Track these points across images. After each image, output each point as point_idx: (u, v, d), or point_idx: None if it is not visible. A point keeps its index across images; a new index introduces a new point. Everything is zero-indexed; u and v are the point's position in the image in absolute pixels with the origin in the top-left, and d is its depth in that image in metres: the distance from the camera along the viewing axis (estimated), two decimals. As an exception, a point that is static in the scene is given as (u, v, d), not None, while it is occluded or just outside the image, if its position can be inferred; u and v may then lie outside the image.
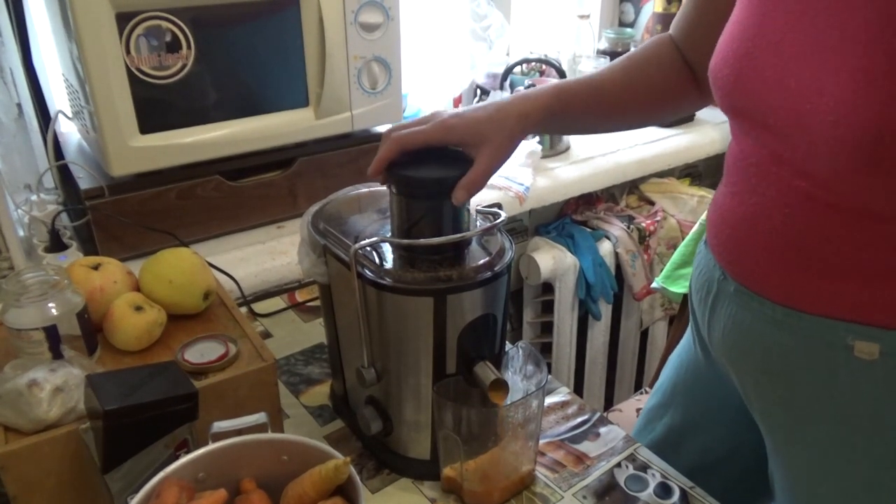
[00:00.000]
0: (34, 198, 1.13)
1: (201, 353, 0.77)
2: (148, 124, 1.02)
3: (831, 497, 0.71)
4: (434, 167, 0.71)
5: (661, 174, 1.78)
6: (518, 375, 0.78)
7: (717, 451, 0.90)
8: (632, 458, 0.82)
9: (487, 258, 0.71)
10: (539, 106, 0.75)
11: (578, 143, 1.65)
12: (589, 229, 1.69)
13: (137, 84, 0.99)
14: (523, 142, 1.49)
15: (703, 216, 1.48)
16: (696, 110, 0.88)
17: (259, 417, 0.63)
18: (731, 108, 0.68)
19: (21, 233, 1.07)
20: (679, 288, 1.52)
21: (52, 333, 0.72)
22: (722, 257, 0.74)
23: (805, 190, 0.61)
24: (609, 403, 1.86)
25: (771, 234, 0.66)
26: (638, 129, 0.92)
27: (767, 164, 0.65)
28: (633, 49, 1.81)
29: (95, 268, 0.83)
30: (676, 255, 1.53)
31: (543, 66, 1.77)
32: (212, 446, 0.59)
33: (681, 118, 1.79)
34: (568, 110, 0.78)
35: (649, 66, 0.83)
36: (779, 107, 0.60)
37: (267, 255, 1.15)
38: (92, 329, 0.77)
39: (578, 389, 1.79)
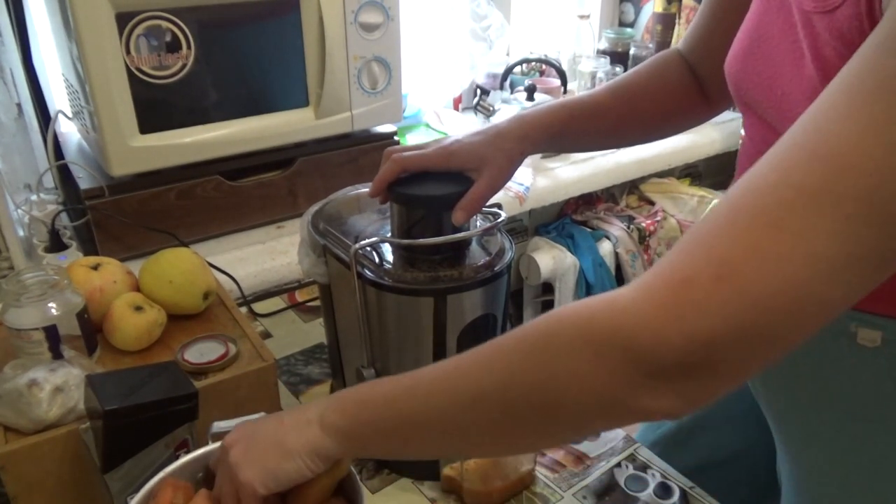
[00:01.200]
0: (34, 198, 1.13)
1: (201, 353, 0.77)
2: (148, 124, 1.02)
3: (835, 492, 0.71)
4: (434, 185, 0.71)
5: (661, 174, 1.78)
6: (518, 375, 0.78)
7: (725, 449, 0.90)
8: (632, 458, 0.82)
9: (487, 258, 0.71)
10: (538, 127, 0.76)
11: (578, 143, 1.65)
12: (589, 229, 1.69)
13: (137, 84, 0.99)
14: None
15: (704, 216, 1.48)
16: (702, 123, 0.88)
17: (259, 417, 0.63)
18: (738, 99, 0.70)
19: (21, 233, 1.07)
20: (679, 288, 1.52)
21: (52, 333, 0.72)
22: None
23: None
24: (609, 403, 1.86)
25: None
26: (643, 144, 0.92)
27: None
28: (632, 50, 1.82)
29: (95, 268, 0.83)
30: (676, 255, 1.53)
31: (543, 66, 1.77)
32: (212, 446, 0.59)
33: (681, 118, 1.79)
34: (568, 130, 0.78)
35: (652, 84, 0.82)
36: (770, 107, 0.62)
37: (267, 255, 1.15)
38: (92, 329, 0.77)
39: (578, 389, 1.79)
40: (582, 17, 1.83)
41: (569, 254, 1.60)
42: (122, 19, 0.95)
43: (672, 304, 0.40)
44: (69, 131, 1.24)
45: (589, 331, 0.42)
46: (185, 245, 1.06)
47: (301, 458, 0.53)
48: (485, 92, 1.61)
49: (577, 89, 1.84)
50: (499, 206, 0.77)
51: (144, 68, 0.99)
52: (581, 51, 1.85)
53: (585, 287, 1.63)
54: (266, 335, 1.03)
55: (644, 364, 0.41)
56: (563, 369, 0.43)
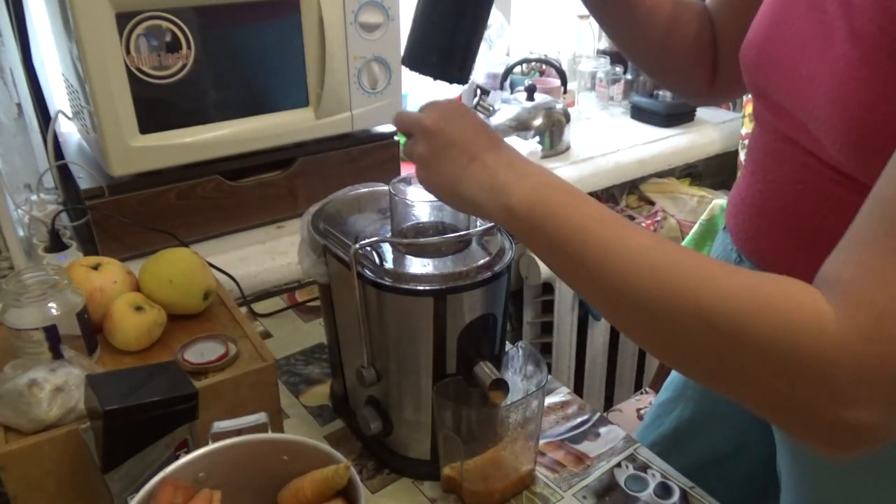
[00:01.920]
0: (34, 198, 1.13)
1: (201, 353, 0.77)
2: (148, 124, 1.02)
3: (835, 490, 0.71)
4: None
5: (661, 174, 1.78)
6: (518, 375, 0.78)
7: (725, 447, 0.90)
8: (632, 458, 0.82)
9: (487, 258, 0.71)
10: None
11: (578, 143, 1.65)
12: (589, 229, 1.68)
13: (137, 84, 0.99)
14: (523, 142, 1.49)
15: (704, 216, 1.48)
16: (695, 97, 0.88)
17: (259, 417, 0.63)
18: (753, 88, 0.70)
19: (21, 233, 1.07)
20: (679, 288, 1.51)
21: (52, 333, 0.72)
22: (738, 237, 0.75)
23: (815, 168, 0.62)
24: (609, 403, 1.86)
25: (784, 211, 0.67)
26: (645, 63, 0.90)
27: (781, 143, 0.66)
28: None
29: (95, 268, 0.83)
30: (676, 255, 1.52)
31: (543, 66, 1.77)
32: (212, 446, 0.59)
33: (680, 119, 1.79)
34: None
35: (696, 9, 0.83)
36: (790, 92, 0.62)
37: (267, 255, 1.15)
38: (92, 329, 0.77)
39: (578, 389, 1.79)
40: (582, 17, 1.83)
41: (569, 254, 1.60)
42: (122, 19, 0.95)
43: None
44: (69, 131, 1.24)
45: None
46: (185, 245, 1.06)
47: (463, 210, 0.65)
48: (485, 92, 1.60)
49: (577, 90, 1.84)
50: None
51: (144, 68, 0.99)
52: (581, 51, 1.85)
53: (585, 287, 1.63)
54: (266, 335, 1.03)
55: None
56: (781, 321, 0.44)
